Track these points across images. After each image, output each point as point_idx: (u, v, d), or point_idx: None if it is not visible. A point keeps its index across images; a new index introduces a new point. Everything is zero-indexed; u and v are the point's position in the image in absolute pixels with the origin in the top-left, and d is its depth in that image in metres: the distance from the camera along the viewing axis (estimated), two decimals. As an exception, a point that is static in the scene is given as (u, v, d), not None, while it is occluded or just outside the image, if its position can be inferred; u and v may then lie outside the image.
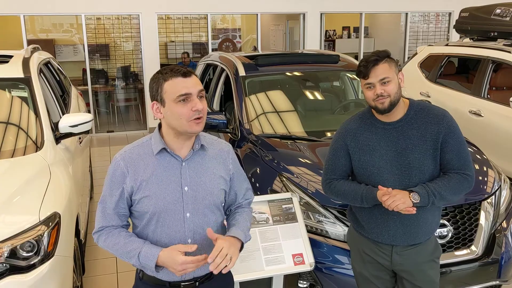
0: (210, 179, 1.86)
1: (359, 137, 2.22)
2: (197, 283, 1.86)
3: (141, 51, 8.73)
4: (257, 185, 3.25)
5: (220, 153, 1.91)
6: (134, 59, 10.43)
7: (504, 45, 5.38)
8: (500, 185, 3.19)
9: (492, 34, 5.69)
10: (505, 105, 4.83)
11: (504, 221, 3.06)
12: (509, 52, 5.10)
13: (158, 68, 8.77)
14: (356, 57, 10.29)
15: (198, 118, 1.74)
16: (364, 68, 2.09)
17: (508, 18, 5.44)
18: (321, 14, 9.46)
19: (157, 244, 1.82)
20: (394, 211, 2.08)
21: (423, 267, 2.26)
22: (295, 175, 3.13)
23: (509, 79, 5.57)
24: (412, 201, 2.05)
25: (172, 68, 1.77)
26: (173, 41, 11.01)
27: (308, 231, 2.79)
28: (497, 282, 2.95)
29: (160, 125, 1.85)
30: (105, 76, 10.09)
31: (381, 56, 2.09)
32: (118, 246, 1.80)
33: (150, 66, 8.70)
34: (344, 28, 13.23)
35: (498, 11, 5.60)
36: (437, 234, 2.81)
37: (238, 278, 2.29)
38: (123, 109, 10.63)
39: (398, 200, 2.02)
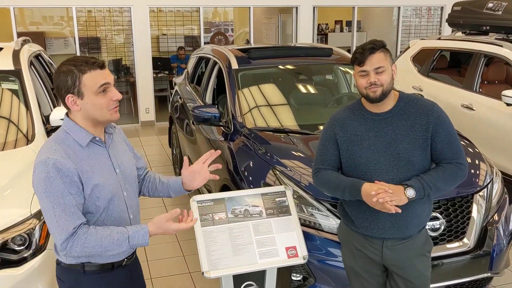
0: (128, 158, 2.02)
1: (347, 127, 2.22)
2: (134, 256, 2.03)
3: (132, 44, 8.66)
4: (250, 178, 3.25)
5: (119, 133, 2.06)
6: (126, 52, 10.35)
7: (496, 39, 5.40)
8: (492, 178, 3.21)
9: (484, 28, 5.70)
10: (497, 99, 4.86)
11: (496, 214, 3.08)
12: (501, 46, 5.12)
13: (150, 61, 8.72)
14: (349, 51, 10.27)
15: (116, 106, 1.86)
16: (360, 55, 2.09)
17: (500, 12, 5.45)
18: (314, 7, 9.43)
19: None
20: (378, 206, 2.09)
21: (413, 262, 2.25)
22: (288, 168, 3.12)
23: (500, 73, 5.59)
24: (407, 197, 2.05)
25: (86, 60, 1.79)
26: (165, 34, 10.94)
27: (301, 224, 2.77)
28: (489, 274, 2.97)
29: (67, 118, 1.86)
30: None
31: (377, 45, 2.09)
32: (104, 240, 1.78)
33: (142, 59, 8.64)
34: (336, 22, 13.21)
35: (490, 5, 5.61)
36: (429, 227, 2.82)
37: (231, 271, 2.29)
38: (115, 102, 10.55)
39: (390, 197, 2.03)
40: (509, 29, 5.39)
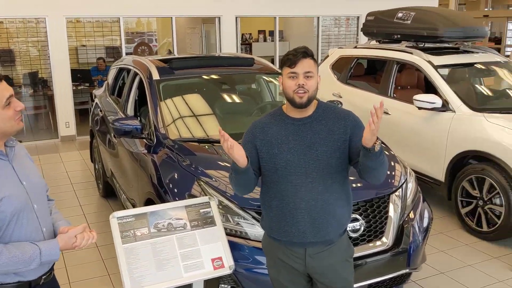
0: (34, 171, 2.01)
1: (268, 131, 2.26)
2: (52, 274, 2.03)
3: (49, 57, 8.28)
4: (175, 190, 3.20)
5: (21, 149, 2.03)
6: (42, 65, 9.86)
7: (406, 46, 5.74)
8: (406, 178, 3.39)
9: (396, 36, 6.04)
10: (409, 103, 5.15)
11: (411, 212, 3.25)
12: (411, 53, 5.45)
13: (68, 73, 8.38)
14: (272, 61, 10.48)
15: (20, 116, 1.89)
16: (293, 57, 2.14)
17: (409, 22, 5.80)
18: (236, 17, 9.53)
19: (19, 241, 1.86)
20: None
21: (336, 268, 2.29)
22: (214, 179, 3.11)
23: (412, 78, 5.95)
24: (375, 146, 2.03)
25: None
26: (84, 46, 10.56)
27: (228, 234, 2.78)
28: (407, 270, 3.12)
29: None
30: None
31: (309, 52, 2.18)
32: (15, 258, 1.76)
33: (59, 71, 8.28)
34: (259, 31, 13.44)
35: (400, 14, 5.95)
36: (350, 228, 2.91)
37: (155, 287, 2.23)
38: (32, 117, 10.03)
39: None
40: (418, 37, 5.74)
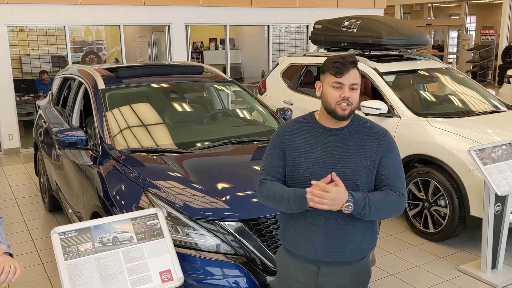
0: None
1: (296, 137, 2.13)
2: None
3: (-11, 66, 7.93)
4: (122, 202, 3.11)
5: None
6: (-17, 75, 9.43)
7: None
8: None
9: (343, 44, 6.17)
10: (357, 110, 5.25)
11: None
12: (358, 61, 5.56)
13: (10, 84, 8.04)
14: (224, 69, 10.48)
15: None
16: (342, 66, 1.99)
17: (355, 30, 5.95)
18: (186, 26, 9.47)
19: None
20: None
21: None
22: (162, 190, 3.05)
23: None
24: (342, 210, 1.96)
25: None
26: (28, 55, 10.19)
27: (177, 246, 2.73)
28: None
29: None
30: None
31: (356, 62, 2.04)
32: None
33: (1, 82, 7.93)
34: (211, 40, 13.42)
35: (346, 23, 6.09)
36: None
37: (101, 304, 2.15)
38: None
39: (321, 203, 1.92)
40: (363, 45, 5.89)
